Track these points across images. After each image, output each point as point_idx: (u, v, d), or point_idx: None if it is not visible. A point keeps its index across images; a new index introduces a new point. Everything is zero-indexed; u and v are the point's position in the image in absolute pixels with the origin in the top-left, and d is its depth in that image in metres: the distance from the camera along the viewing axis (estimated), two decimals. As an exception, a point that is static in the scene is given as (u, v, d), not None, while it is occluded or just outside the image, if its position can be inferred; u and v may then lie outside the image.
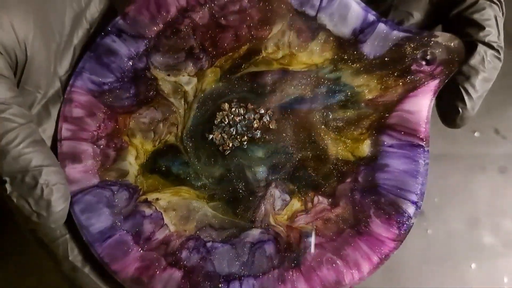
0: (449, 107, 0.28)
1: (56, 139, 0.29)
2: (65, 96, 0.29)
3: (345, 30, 0.29)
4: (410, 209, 0.28)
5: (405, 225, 0.27)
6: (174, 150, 0.30)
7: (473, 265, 0.41)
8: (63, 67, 0.29)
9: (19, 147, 0.24)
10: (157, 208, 0.29)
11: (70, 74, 0.29)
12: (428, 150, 0.28)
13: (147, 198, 0.29)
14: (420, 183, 0.28)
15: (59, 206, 0.25)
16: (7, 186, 0.24)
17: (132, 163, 0.30)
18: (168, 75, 0.30)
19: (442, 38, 0.28)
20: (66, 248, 0.27)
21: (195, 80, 0.30)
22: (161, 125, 0.30)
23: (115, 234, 0.28)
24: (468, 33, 0.27)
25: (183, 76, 0.30)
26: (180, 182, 0.30)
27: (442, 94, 0.28)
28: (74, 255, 0.27)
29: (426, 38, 0.28)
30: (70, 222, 0.27)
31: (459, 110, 0.27)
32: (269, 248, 0.28)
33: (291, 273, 0.27)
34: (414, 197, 0.28)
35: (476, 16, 0.27)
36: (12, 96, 0.24)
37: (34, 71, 0.26)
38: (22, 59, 0.25)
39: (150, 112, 0.30)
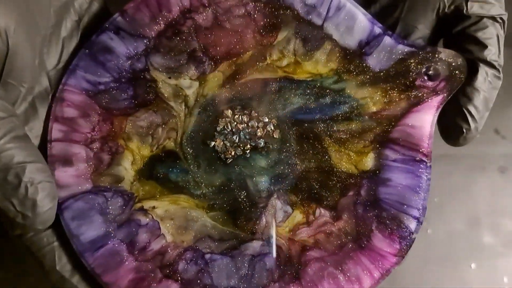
0: (452, 127, 0.28)
1: (44, 140, 0.27)
2: (56, 95, 0.27)
3: (351, 41, 0.28)
4: (412, 225, 0.28)
5: (406, 240, 0.27)
6: (173, 156, 0.29)
7: (473, 265, 0.41)
8: (51, 61, 0.27)
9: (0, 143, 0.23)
10: (154, 217, 0.28)
11: (59, 69, 0.28)
12: (430, 166, 0.28)
13: (143, 206, 0.28)
14: (422, 199, 0.28)
15: (46, 205, 0.23)
16: None
17: (127, 169, 0.28)
18: (169, 77, 0.29)
19: (445, 54, 0.28)
20: (53, 257, 0.26)
21: (196, 84, 0.29)
22: (160, 129, 0.29)
23: (108, 243, 0.27)
24: (470, 50, 0.27)
25: (185, 79, 0.29)
26: (178, 190, 0.29)
27: (445, 113, 0.28)
28: (62, 264, 0.26)
29: (430, 54, 0.28)
30: (59, 228, 0.26)
31: (463, 131, 0.27)
32: (270, 261, 0.28)
33: (291, 287, 0.27)
34: (416, 213, 0.28)
35: (479, 34, 0.27)
36: None
37: (17, 63, 0.24)
38: (3, 50, 0.24)
39: (149, 115, 0.29)
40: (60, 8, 0.27)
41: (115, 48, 0.28)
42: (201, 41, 0.29)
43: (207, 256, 0.27)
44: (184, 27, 0.29)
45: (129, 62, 0.28)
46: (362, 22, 0.28)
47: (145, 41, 0.28)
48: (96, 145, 0.28)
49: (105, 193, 0.27)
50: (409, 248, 0.27)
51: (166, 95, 0.29)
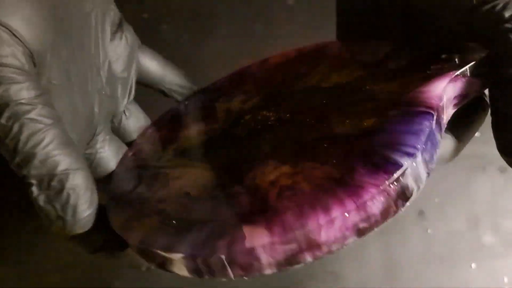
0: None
1: None
2: None
3: None
4: (403, 159, 0.23)
5: (393, 174, 0.23)
6: None
7: (473, 265, 0.41)
8: None
9: (46, 150, 0.23)
10: None
11: None
12: (437, 119, 0.25)
13: None
14: (423, 141, 0.24)
15: (85, 212, 0.24)
16: (34, 189, 0.23)
17: None
18: None
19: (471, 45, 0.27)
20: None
21: None
22: None
23: None
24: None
25: None
26: None
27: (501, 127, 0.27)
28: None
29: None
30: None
31: None
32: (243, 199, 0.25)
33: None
34: (410, 150, 0.23)
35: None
36: (37, 95, 0.23)
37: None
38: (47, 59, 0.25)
39: None
40: None
41: None
42: None
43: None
44: None
45: None
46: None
47: None
48: None
49: None
50: (398, 188, 0.23)
51: None
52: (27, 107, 0.23)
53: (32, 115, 0.23)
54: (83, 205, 0.24)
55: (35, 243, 0.39)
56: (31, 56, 0.24)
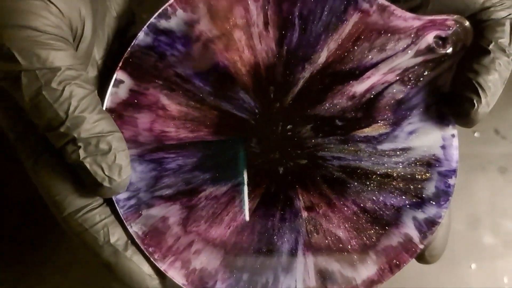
0: (463, 101, 0.28)
1: None
2: None
3: None
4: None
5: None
6: None
7: (473, 265, 0.41)
8: (99, 52, 0.28)
9: (93, 113, 0.25)
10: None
11: (104, 61, 0.29)
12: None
13: None
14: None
15: (127, 172, 0.26)
16: (81, 152, 0.24)
17: None
18: None
19: (453, 19, 0.28)
20: (107, 231, 0.26)
21: None
22: None
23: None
24: (483, 36, 0.28)
25: None
26: None
27: (454, 92, 0.28)
28: (116, 239, 0.27)
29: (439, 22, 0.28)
30: (110, 206, 0.27)
31: (474, 104, 0.27)
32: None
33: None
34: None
35: (492, 23, 0.28)
36: (80, 63, 0.25)
37: (82, 51, 0.26)
38: (79, 35, 0.26)
39: None
40: (103, 2, 0.29)
41: None
42: None
43: None
44: None
45: None
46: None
47: None
48: None
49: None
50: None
51: None
52: (75, 73, 0.24)
53: (79, 80, 0.24)
54: (127, 165, 0.26)
55: (35, 243, 0.39)
56: (71, 28, 0.25)
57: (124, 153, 0.26)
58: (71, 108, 0.24)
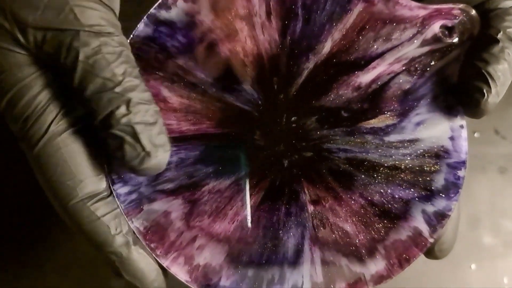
0: (472, 91, 0.27)
1: None
2: None
3: None
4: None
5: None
6: None
7: (473, 265, 0.41)
8: None
9: (142, 82, 0.24)
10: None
11: None
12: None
13: None
14: None
15: (169, 148, 0.25)
16: (132, 116, 0.24)
17: None
18: None
19: (458, 8, 0.28)
20: (119, 222, 0.26)
21: None
22: None
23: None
24: (491, 25, 0.27)
25: None
26: None
27: (462, 85, 0.28)
28: (126, 231, 0.26)
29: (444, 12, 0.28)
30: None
31: (484, 93, 0.26)
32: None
33: None
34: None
35: (501, 12, 0.27)
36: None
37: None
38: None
39: None
40: None
41: None
42: None
43: None
44: None
45: None
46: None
47: None
48: None
49: None
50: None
51: None
52: (127, 42, 0.25)
53: (129, 51, 0.25)
54: (168, 141, 0.25)
55: (35, 243, 0.39)
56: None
57: (165, 128, 0.25)
58: (128, 71, 0.24)
